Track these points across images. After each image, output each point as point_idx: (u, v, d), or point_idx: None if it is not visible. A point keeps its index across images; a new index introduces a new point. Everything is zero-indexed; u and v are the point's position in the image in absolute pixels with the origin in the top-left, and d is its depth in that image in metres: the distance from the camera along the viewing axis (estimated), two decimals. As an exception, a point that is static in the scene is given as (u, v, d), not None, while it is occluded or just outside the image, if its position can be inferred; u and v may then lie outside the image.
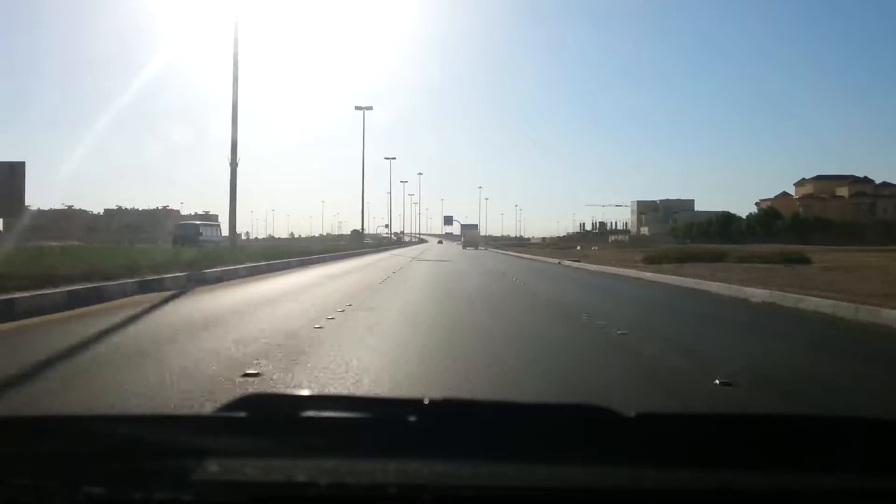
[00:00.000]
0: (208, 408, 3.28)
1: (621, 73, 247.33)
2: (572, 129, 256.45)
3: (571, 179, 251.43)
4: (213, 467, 0.95)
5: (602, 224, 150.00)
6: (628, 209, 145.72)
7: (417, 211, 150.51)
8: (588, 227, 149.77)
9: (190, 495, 0.90)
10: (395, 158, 75.41)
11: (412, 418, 1.03)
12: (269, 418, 1.07)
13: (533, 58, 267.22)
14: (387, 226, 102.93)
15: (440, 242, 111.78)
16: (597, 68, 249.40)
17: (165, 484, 0.91)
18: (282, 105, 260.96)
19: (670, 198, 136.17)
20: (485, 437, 1.02)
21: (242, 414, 1.06)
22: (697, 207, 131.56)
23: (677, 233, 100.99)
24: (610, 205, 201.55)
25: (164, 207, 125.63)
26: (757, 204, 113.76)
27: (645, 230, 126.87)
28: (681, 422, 1.12)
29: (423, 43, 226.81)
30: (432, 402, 1.06)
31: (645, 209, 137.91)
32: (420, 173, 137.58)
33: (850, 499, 0.94)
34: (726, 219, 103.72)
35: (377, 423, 1.06)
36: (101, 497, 0.89)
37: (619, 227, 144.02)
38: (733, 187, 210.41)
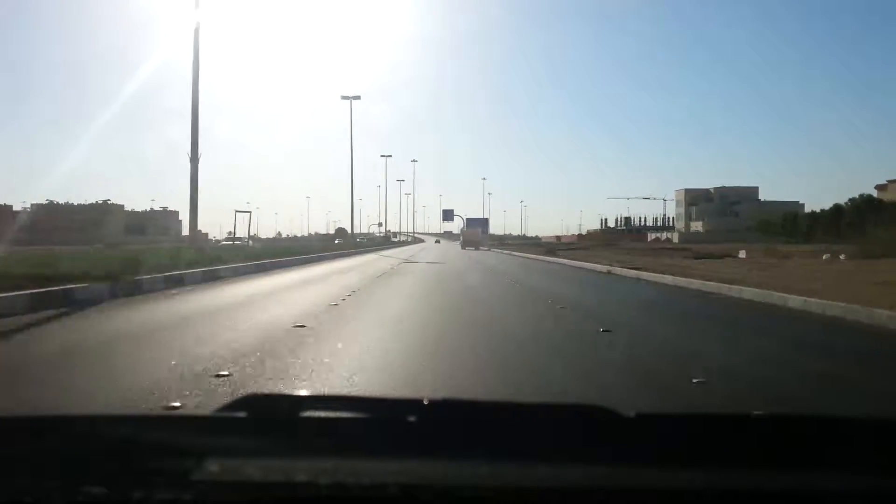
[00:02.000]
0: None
1: (639, 56, 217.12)
2: (580, 119, 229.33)
3: (574, 175, 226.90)
4: (213, 467, 0.95)
5: (627, 220, 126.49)
6: (659, 202, 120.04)
7: (412, 204, 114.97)
8: (610, 224, 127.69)
9: (190, 495, 0.90)
10: (367, 123, 63.16)
11: (412, 418, 1.03)
12: (269, 418, 1.07)
13: (539, 43, 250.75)
14: (380, 224, 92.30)
15: (437, 242, 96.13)
16: (609, 51, 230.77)
17: (165, 484, 0.91)
18: (278, 103, 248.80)
19: (726, 185, 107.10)
20: (485, 437, 1.02)
21: (242, 414, 1.06)
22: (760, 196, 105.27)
23: (773, 229, 62.54)
24: (637, 197, 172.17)
25: (106, 202, 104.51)
26: (879, 188, 74.48)
27: (697, 226, 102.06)
28: (681, 422, 1.11)
29: (421, 38, 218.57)
30: (432, 402, 1.06)
31: (695, 199, 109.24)
32: (414, 160, 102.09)
33: (851, 499, 0.92)
34: (870, 206, 58.61)
35: (377, 423, 1.06)
36: (101, 497, 0.89)
37: (648, 223, 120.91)
38: (799, 174, 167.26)
